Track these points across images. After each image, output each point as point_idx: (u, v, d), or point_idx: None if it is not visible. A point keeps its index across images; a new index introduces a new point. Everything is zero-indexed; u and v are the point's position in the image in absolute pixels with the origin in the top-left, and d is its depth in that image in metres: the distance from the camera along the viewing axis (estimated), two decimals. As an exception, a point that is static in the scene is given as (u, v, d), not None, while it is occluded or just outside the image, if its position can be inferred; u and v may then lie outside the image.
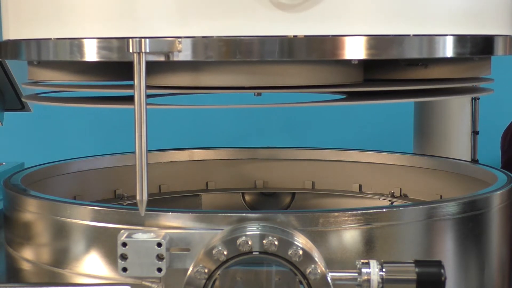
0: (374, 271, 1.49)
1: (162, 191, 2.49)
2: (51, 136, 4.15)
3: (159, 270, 1.51)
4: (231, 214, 1.59)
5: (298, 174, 2.55)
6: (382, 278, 1.49)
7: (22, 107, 2.35)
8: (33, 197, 1.85)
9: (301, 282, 1.49)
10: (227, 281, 1.51)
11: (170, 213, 1.61)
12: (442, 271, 1.49)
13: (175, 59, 1.59)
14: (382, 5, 1.65)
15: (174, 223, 1.61)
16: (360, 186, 2.48)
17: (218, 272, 1.49)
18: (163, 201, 2.44)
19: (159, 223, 1.61)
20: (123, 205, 2.32)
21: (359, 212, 1.63)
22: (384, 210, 1.65)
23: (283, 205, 2.54)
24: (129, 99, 1.57)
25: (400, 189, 2.39)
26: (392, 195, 2.39)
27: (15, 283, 1.76)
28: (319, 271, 1.47)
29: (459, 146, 2.67)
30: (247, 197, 2.55)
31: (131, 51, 1.50)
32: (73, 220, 1.72)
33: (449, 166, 2.31)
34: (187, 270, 1.51)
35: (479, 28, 1.78)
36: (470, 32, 1.76)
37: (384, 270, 1.49)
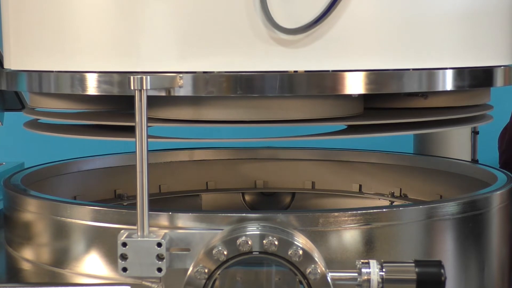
0: (374, 271, 1.49)
1: (162, 191, 2.49)
2: (51, 136, 4.14)
3: (159, 270, 1.51)
4: (231, 214, 1.59)
5: (298, 174, 2.55)
6: (382, 278, 1.49)
7: (22, 107, 2.35)
8: (33, 197, 1.85)
9: (301, 282, 1.49)
10: (227, 281, 1.51)
11: (170, 213, 1.61)
12: (442, 271, 1.49)
13: (176, 94, 1.61)
14: (381, 39, 1.66)
15: (174, 223, 1.61)
16: (360, 186, 2.48)
17: (218, 272, 1.49)
18: (163, 201, 2.44)
19: (159, 223, 1.60)
20: (123, 205, 2.32)
21: (359, 212, 1.63)
22: (384, 210, 1.65)
23: (283, 205, 2.54)
24: (131, 129, 1.58)
25: (400, 189, 2.38)
26: (392, 195, 2.39)
27: (15, 283, 1.76)
28: (319, 271, 1.47)
29: (459, 146, 2.67)
30: (247, 197, 2.55)
31: (132, 88, 1.51)
32: (73, 220, 1.72)
33: (449, 166, 2.30)
34: (187, 270, 1.51)
35: (478, 60, 1.79)
36: (470, 64, 1.77)
37: (384, 270, 1.49)
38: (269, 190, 2.55)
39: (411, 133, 1.78)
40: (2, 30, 1.97)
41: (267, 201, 2.55)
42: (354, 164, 2.50)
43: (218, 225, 1.58)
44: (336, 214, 1.61)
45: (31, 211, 1.83)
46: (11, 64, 1.91)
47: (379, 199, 2.41)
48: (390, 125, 1.81)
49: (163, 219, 1.61)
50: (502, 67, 1.86)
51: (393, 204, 2.34)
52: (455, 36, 1.74)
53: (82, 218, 1.71)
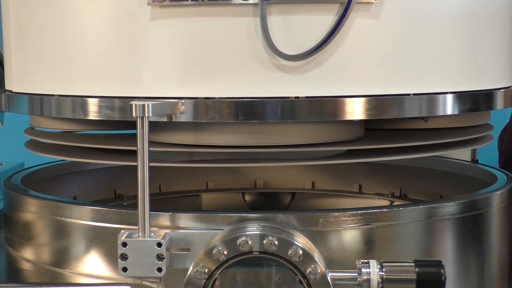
0: (374, 271, 1.49)
1: (162, 191, 2.48)
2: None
3: (159, 270, 1.51)
4: (231, 214, 1.59)
5: (298, 174, 2.54)
6: (382, 278, 1.49)
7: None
8: (33, 197, 1.85)
9: (301, 282, 1.49)
10: (227, 281, 1.51)
11: (170, 213, 1.61)
12: (442, 271, 1.49)
13: (178, 120, 1.61)
14: (382, 65, 1.66)
15: (174, 223, 1.61)
16: (360, 186, 2.48)
17: (218, 272, 1.50)
18: (163, 201, 2.44)
19: (159, 223, 1.61)
20: (123, 205, 2.32)
21: (359, 212, 1.63)
22: (384, 210, 1.65)
23: (283, 205, 2.54)
24: (132, 152, 1.59)
25: (400, 189, 2.38)
26: (392, 195, 2.39)
27: (15, 283, 1.76)
28: (319, 271, 1.48)
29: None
30: (247, 197, 2.55)
31: (134, 115, 1.51)
32: (73, 220, 1.72)
33: (449, 166, 2.30)
34: (187, 270, 1.51)
35: (478, 83, 1.80)
36: (470, 88, 1.77)
37: (384, 270, 1.49)
38: (269, 190, 2.55)
39: (411, 156, 1.80)
40: (3, 50, 1.98)
41: (267, 201, 2.55)
42: (354, 164, 2.50)
43: (218, 225, 1.58)
44: (336, 214, 1.61)
45: (31, 211, 1.83)
46: (12, 86, 1.91)
47: (379, 199, 2.41)
48: (390, 149, 1.82)
49: (163, 219, 1.61)
50: (502, 90, 1.86)
51: (393, 204, 2.34)
52: (455, 60, 1.74)
53: (82, 218, 1.71)
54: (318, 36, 1.60)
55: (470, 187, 2.11)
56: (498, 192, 1.83)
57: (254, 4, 1.58)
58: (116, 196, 2.41)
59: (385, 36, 1.66)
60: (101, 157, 1.86)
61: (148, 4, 1.61)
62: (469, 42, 1.76)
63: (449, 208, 1.71)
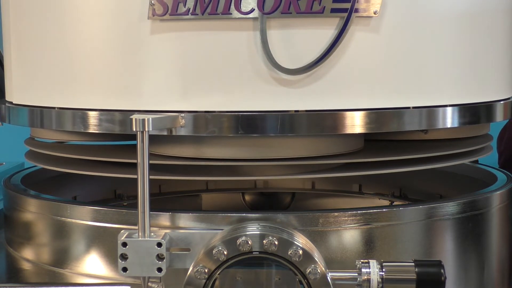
0: (374, 271, 1.49)
1: (162, 191, 2.48)
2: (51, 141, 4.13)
3: (159, 270, 1.51)
4: (231, 214, 1.59)
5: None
6: (382, 278, 1.49)
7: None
8: (33, 197, 1.85)
9: (301, 282, 1.49)
10: (227, 281, 1.51)
11: (170, 213, 1.61)
12: (442, 271, 1.49)
13: (178, 133, 1.62)
14: (381, 78, 1.66)
15: (174, 223, 1.61)
16: (360, 186, 2.48)
17: (218, 272, 1.50)
18: (163, 201, 2.44)
19: (159, 223, 1.61)
20: (123, 205, 2.32)
21: (359, 212, 1.63)
22: (384, 210, 1.65)
23: (283, 205, 2.53)
24: (132, 165, 1.60)
25: (400, 189, 2.38)
26: (392, 195, 2.39)
27: (15, 283, 1.76)
28: (319, 271, 1.48)
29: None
30: (247, 197, 2.54)
31: (134, 129, 1.52)
32: (73, 220, 1.72)
33: (449, 166, 2.30)
34: (187, 270, 1.51)
35: (478, 96, 1.80)
36: (470, 100, 1.77)
37: (384, 270, 1.49)
38: (269, 190, 2.55)
39: (411, 169, 1.81)
40: (4, 61, 1.98)
41: (267, 201, 2.55)
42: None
43: (218, 225, 1.58)
44: (336, 214, 1.61)
45: (31, 211, 1.83)
46: (13, 97, 1.91)
47: (379, 199, 2.41)
48: (390, 161, 1.82)
49: (163, 219, 1.61)
50: (501, 102, 1.86)
51: (393, 204, 2.34)
52: (455, 73, 1.74)
53: (82, 218, 1.71)
54: (318, 50, 1.60)
55: (470, 187, 2.11)
56: (498, 192, 1.83)
57: (254, 18, 1.58)
58: (116, 196, 2.41)
59: (384, 50, 1.66)
60: (101, 170, 1.86)
61: (148, 18, 1.61)
62: (468, 55, 1.76)
63: (449, 208, 1.71)
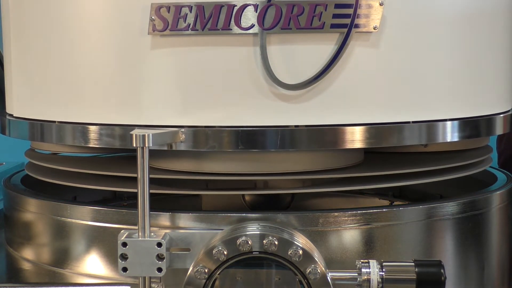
0: (374, 271, 1.49)
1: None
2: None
3: (159, 270, 1.51)
4: (231, 214, 1.59)
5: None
6: (382, 278, 1.49)
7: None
8: (33, 197, 1.85)
9: (301, 282, 1.49)
10: (227, 281, 1.51)
11: (170, 213, 1.61)
12: (442, 271, 1.49)
13: (178, 148, 1.62)
14: (381, 93, 1.66)
15: (174, 223, 1.61)
16: (360, 186, 2.48)
17: (218, 272, 1.50)
18: (163, 201, 2.43)
19: (159, 223, 1.61)
20: (123, 205, 2.32)
21: (359, 212, 1.63)
22: (384, 210, 1.65)
23: (283, 205, 2.53)
24: (132, 178, 1.61)
25: (400, 189, 2.38)
26: (392, 195, 2.39)
27: (15, 283, 1.76)
28: (319, 271, 1.48)
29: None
30: (247, 197, 2.54)
31: (134, 145, 1.52)
32: (73, 220, 1.72)
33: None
34: (187, 270, 1.51)
35: (478, 109, 1.80)
36: (470, 114, 1.77)
37: (384, 270, 1.49)
38: (269, 192, 2.54)
39: (410, 183, 1.81)
40: (5, 74, 1.98)
41: (267, 201, 2.54)
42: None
43: (218, 225, 1.58)
44: (336, 214, 1.61)
45: (31, 211, 1.83)
46: (13, 110, 1.91)
47: (379, 199, 2.41)
48: (390, 175, 1.82)
49: (163, 219, 1.61)
50: (501, 115, 1.86)
51: (393, 204, 2.34)
52: (454, 88, 1.75)
53: (82, 218, 1.71)
54: (318, 65, 1.60)
55: (470, 187, 2.11)
56: (498, 192, 1.83)
57: (254, 34, 1.58)
58: (116, 196, 2.41)
59: (384, 65, 1.66)
60: (102, 184, 1.86)
61: (148, 33, 1.61)
62: (467, 69, 1.76)
63: (449, 208, 1.71)
